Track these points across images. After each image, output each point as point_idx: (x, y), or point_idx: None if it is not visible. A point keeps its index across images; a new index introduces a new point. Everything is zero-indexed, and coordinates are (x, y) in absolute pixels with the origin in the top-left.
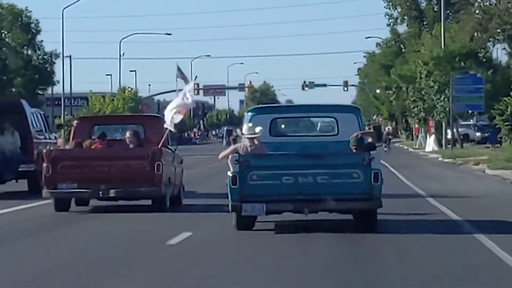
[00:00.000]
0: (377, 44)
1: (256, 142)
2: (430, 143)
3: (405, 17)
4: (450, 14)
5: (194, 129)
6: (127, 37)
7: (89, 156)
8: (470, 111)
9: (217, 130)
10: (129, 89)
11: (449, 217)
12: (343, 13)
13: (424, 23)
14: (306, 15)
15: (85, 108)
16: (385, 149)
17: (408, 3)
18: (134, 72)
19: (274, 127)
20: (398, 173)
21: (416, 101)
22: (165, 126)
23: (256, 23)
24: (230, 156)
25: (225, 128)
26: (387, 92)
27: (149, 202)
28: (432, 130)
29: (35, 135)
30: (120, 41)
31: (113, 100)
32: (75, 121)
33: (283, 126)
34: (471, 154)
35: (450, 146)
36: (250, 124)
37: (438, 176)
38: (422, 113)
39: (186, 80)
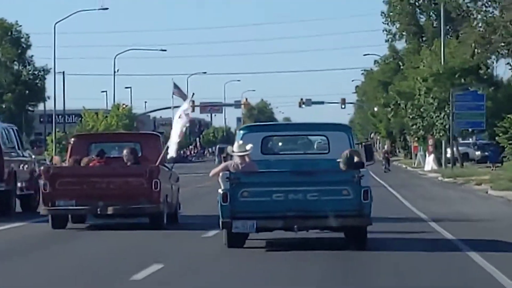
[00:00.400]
0: (375, 61)
1: (247, 159)
2: (429, 162)
3: (404, 33)
4: (450, 29)
5: (190, 147)
6: (122, 53)
7: (87, 174)
8: (470, 129)
9: (214, 148)
10: (124, 105)
11: (456, 247)
12: (341, 29)
13: (423, 39)
14: (303, 32)
15: (78, 125)
16: (384, 168)
17: (407, 19)
18: (129, 89)
19: (266, 145)
20: (397, 194)
21: (415, 118)
22: (168, 156)
23: (253, 39)
24: (221, 174)
25: (218, 146)
26: (385, 109)
27: (146, 219)
28: (431, 148)
29: (7, 152)
30: (115, 57)
31: (106, 117)
32: (72, 139)
33: (274, 144)
34: (472, 174)
35: (450, 165)
36: (241, 142)
37: (439, 196)
38: (421, 131)
39: (183, 97)
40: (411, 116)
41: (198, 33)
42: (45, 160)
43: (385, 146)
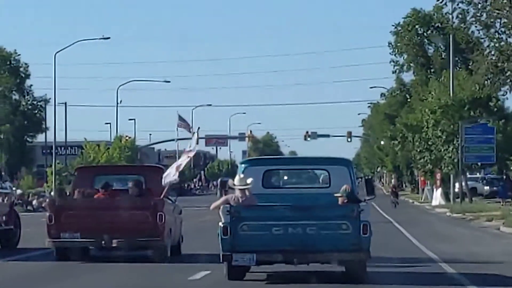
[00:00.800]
0: (382, 94)
1: (247, 193)
2: (437, 197)
3: (412, 64)
4: (459, 61)
5: (195, 180)
6: (124, 84)
7: (93, 206)
8: (480, 163)
9: (218, 181)
10: (126, 137)
11: None
12: (347, 62)
13: (431, 70)
14: (309, 64)
15: (78, 156)
16: (393, 201)
17: (415, 50)
18: (133, 121)
19: (267, 179)
20: (405, 231)
21: (423, 151)
22: (168, 179)
23: (259, 72)
24: (221, 207)
25: (219, 180)
26: (392, 142)
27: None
28: (439, 183)
29: None
30: (118, 88)
31: (108, 148)
32: (76, 171)
33: (275, 178)
34: (482, 209)
35: (458, 200)
36: (242, 175)
37: (449, 234)
38: (428, 164)
39: (188, 129)
40: (418, 150)
41: (201, 65)
42: (44, 192)
43: (392, 181)
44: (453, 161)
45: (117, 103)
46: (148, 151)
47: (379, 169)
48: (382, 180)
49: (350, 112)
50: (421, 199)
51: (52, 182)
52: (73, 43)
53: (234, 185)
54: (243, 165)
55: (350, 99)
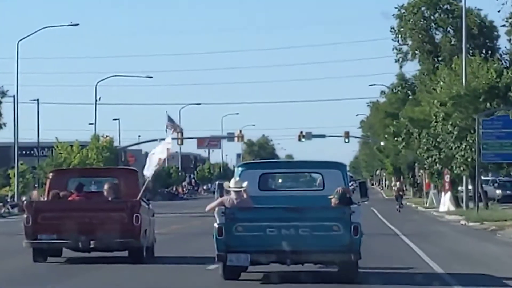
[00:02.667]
0: (382, 92)
1: (244, 195)
2: (446, 202)
3: (417, 52)
4: (470, 48)
5: (184, 183)
6: (104, 79)
7: (70, 208)
8: (501, 162)
9: (209, 185)
10: (107, 137)
11: None
12: (344, 57)
13: (439, 58)
14: (303, 59)
15: (48, 157)
16: (397, 207)
17: (420, 35)
18: (117, 121)
19: (263, 182)
20: (417, 248)
21: (430, 150)
22: (145, 172)
23: (251, 67)
24: (216, 208)
25: (217, 183)
26: (395, 139)
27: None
28: (448, 185)
29: None
30: (96, 84)
31: (82, 149)
32: (51, 173)
33: (271, 180)
34: (502, 216)
35: (472, 205)
36: (238, 178)
37: (478, 254)
38: (437, 164)
39: (177, 130)
40: (425, 147)
41: (189, 59)
42: (7, 196)
43: (397, 183)
44: (466, 160)
45: (96, 100)
46: (136, 153)
47: (378, 172)
48: (381, 183)
49: (348, 112)
50: (426, 203)
51: (14, 184)
52: (37, 30)
53: (229, 187)
54: (240, 169)
55: (347, 97)
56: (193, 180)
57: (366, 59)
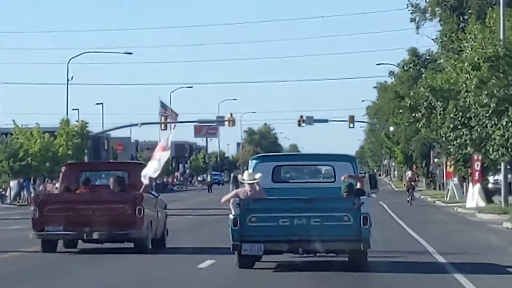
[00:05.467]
0: (391, 73)
1: (257, 187)
2: (474, 196)
3: (437, 9)
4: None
5: (176, 173)
6: (76, 56)
7: (74, 200)
8: None
9: (204, 175)
10: (81, 122)
11: None
12: (349, 30)
13: (464, 17)
14: (304, 34)
15: (1, 143)
16: (408, 198)
17: None
18: (100, 105)
19: (276, 174)
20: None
21: (458, 128)
22: (148, 175)
23: (244, 42)
24: (231, 200)
25: (232, 175)
26: (413, 115)
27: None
28: (478, 175)
29: None
30: (68, 62)
31: (45, 135)
32: (63, 167)
33: (284, 173)
34: None
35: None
36: (251, 171)
37: None
38: (468, 147)
39: (171, 116)
40: (451, 125)
41: (176, 35)
42: None
43: (409, 173)
44: (506, 142)
45: (68, 80)
46: (125, 141)
47: (385, 161)
48: (390, 174)
49: (352, 96)
50: (446, 197)
51: None
52: None
53: (243, 179)
54: (254, 161)
55: (353, 76)
56: (187, 171)
57: (373, 33)
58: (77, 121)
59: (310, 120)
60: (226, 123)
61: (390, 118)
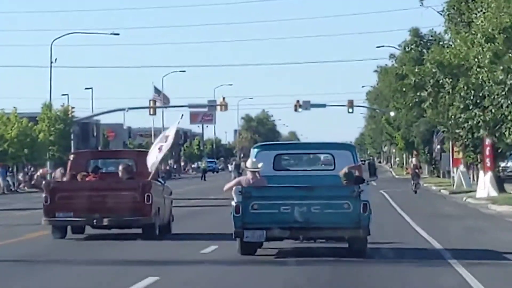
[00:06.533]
0: (391, 56)
1: (258, 175)
2: (486, 184)
3: None
4: None
5: (170, 161)
6: (60, 37)
7: (85, 188)
8: None
9: (198, 163)
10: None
11: None
12: (348, 11)
13: None
14: (300, 14)
15: None
16: (413, 187)
17: None
18: (90, 89)
19: (277, 162)
20: None
21: (469, 109)
22: (151, 163)
23: (241, 22)
24: (234, 188)
25: (234, 163)
26: (417, 94)
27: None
28: (489, 162)
29: None
30: (52, 43)
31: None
32: (71, 155)
33: (285, 161)
34: None
35: None
36: (254, 159)
37: None
38: (481, 130)
39: (165, 101)
40: (462, 106)
41: (166, 15)
42: None
43: (413, 160)
44: None
45: (51, 62)
46: (117, 127)
47: (386, 148)
48: (390, 160)
49: (351, 80)
50: (454, 185)
51: None
52: None
53: (246, 167)
54: (255, 150)
55: (351, 59)
56: (182, 158)
57: (374, 13)
58: (62, 105)
59: (307, 105)
60: (219, 107)
61: (391, 102)
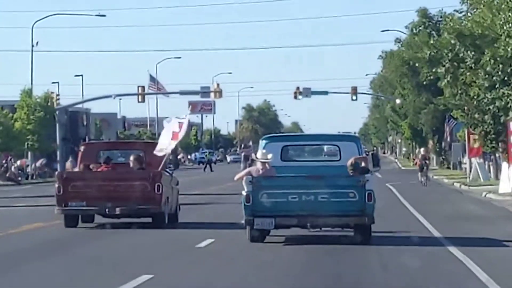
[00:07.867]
0: (397, 40)
1: (267, 166)
2: (511, 177)
3: None
4: None
5: (179, 151)
6: (42, 19)
7: (97, 178)
8: None
9: (195, 154)
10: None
11: None
12: None
13: None
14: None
15: None
16: (422, 179)
17: None
18: (80, 77)
19: (285, 153)
20: None
21: (496, 87)
22: (161, 151)
23: (237, 3)
24: (244, 178)
25: (243, 154)
26: (433, 71)
27: (149, 219)
28: None
29: None
30: (33, 26)
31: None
32: (82, 146)
33: (292, 152)
34: None
35: None
36: (264, 151)
37: None
38: (510, 112)
39: (161, 90)
40: (487, 84)
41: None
42: None
43: (422, 150)
44: None
45: (32, 46)
46: (110, 116)
47: (391, 138)
48: (396, 151)
49: (355, 67)
50: (469, 178)
51: None
52: None
53: (256, 158)
54: (264, 141)
55: (355, 42)
56: (179, 149)
57: None
58: (46, 93)
59: (308, 92)
60: (213, 94)
61: (396, 89)
